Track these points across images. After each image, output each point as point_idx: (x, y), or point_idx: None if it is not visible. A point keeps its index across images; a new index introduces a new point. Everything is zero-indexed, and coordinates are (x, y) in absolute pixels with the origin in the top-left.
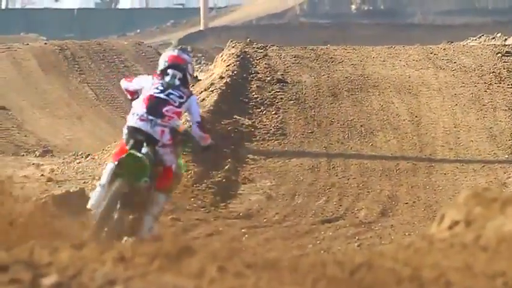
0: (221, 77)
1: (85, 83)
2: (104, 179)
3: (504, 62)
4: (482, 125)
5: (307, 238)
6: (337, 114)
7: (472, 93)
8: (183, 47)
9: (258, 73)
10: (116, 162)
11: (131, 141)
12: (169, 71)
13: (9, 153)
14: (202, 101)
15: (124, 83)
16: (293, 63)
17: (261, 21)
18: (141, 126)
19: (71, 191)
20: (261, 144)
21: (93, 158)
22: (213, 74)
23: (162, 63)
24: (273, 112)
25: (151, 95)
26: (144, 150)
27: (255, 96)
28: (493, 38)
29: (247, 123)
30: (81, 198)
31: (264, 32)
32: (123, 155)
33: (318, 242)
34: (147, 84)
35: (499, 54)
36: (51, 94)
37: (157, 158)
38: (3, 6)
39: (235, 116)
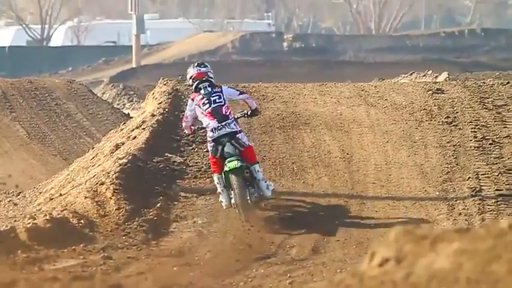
0: (153, 115)
1: (16, 121)
2: (220, 185)
3: (435, 99)
4: (413, 162)
5: (239, 276)
6: (269, 151)
7: (403, 130)
8: (198, 62)
9: None
10: (223, 174)
11: (219, 149)
12: (200, 85)
13: None
14: (134, 139)
15: (184, 124)
16: None
17: (193, 59)
18: (225, 132)
19: (2, 229)
20: (193, 181)
21: (24, 196)
22: (144, 112)
23: (190, 81)
24: (205, 150)
25: (208, 112)
26: (227, 148)
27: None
28: (424, 75)
29: (178, 161)
30: (12, 236)
31: None
32: (226, 169)
33: (250, 279)
34: (195, 107)
35: (430, 92)
36: None
37: (239, 143)
38: None
39: (166, 154)
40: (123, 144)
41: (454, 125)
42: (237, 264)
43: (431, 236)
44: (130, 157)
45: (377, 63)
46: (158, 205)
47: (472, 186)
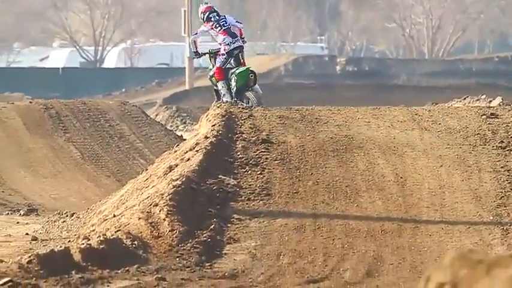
0: (206, 137)
1: (70, 142)
2: (224, 88)
3: (489, 123)
4: (467, 187)
5: None
6: (323, 174)
7: (457, 155)
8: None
9: (243, 133)
10: (236, 76)
11: (228, 60)
12: (210, 15)
13: None
14: (187, 161)
15: (193, 36)
16: (278, 123)
17: None
18: (237, 45)
19: (56, 250)
20: (246, 204)
21: (78, 217)
22: (198, 134)
23: (201, 15)
24: (258, 172)
25: (222, 31)
26: (234, 61)
27: (240, 156)
28: (478, 99)
29: (232, 183)
30: (66, 257)
31: None
32: (241, 71)
33: None
34: (209, 29)
35: (484, 116)
36: (36, 153)
37: (242, 56)
38: None
39: (220, 176)
40: (176, 166)
41: (508, 150)
42: (290, 287)
43: (487, 261)
44: (184, 179)
45: (430, 88)
46: (212, 227)
47: None
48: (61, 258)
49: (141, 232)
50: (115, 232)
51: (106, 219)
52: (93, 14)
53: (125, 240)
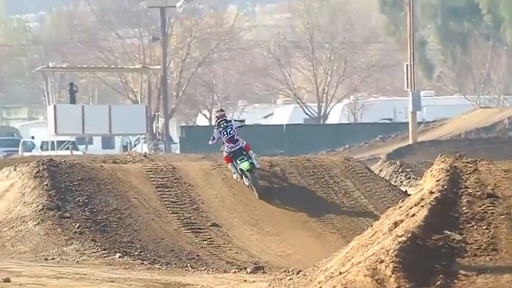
0: (431, 192)
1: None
2: (233, 168)
3: None
4: None
5: None
6: None
7: None
8: (219, 109)
9: (468, 188)
10: (239, 170)
11: (232, 153)
12: (220, 123)
13: (221, 270)
14: (412, 217)
15: (211, 142)
16: (503, 177)
17: (469, 135)
18: (236, 148)
19: None
20: (473, 260)
21: (305, 275)
22: (422, 189)
23: (215, 119)
24: (484, 227)
25: (226, 139)
26: (236, 154)
27: (466, 211)
28: None
29: (458, 239)
30: None
31: (473, 146)
32: (242, 168)
33: None
34: (219, 134)
35: None
36: (261, 210)
37: (242, 149)
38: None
39: (445, 231)
40: (401, 221)
41: None
42: None
43: None
44: (409, 235)
45: None
46: (438, 283)
47: None
48: None
49: None
50: None
51: (332, 277)
52: (316, 70)
53: None
